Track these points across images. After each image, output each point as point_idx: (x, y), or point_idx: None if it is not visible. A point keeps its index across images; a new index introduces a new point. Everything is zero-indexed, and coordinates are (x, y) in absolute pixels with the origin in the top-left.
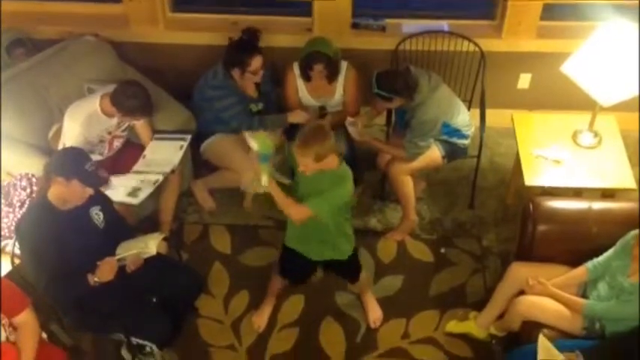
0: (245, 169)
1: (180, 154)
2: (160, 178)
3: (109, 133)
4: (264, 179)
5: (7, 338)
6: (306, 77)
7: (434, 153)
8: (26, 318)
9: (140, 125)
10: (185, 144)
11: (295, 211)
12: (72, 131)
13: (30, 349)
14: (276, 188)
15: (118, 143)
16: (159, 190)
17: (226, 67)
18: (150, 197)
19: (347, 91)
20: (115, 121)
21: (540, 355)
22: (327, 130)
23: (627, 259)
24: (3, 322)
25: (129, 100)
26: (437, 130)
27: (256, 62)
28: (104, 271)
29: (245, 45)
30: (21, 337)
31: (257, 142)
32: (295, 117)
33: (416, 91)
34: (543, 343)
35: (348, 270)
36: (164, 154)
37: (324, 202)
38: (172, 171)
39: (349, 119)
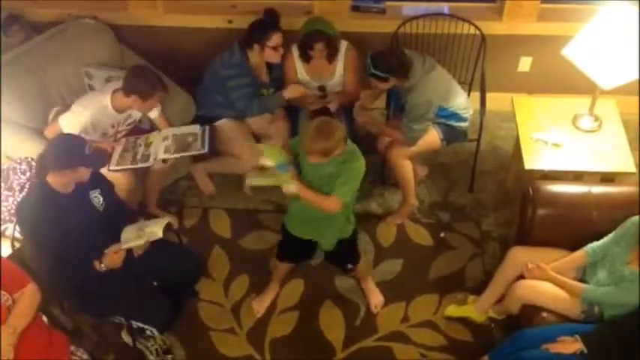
0: (247, 156)
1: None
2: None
3: (113, 126)
4: (292, 187)
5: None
6: (306, 58)
7: (432, 136)
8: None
9: (157, 117)
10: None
11: (328, 205)
12: (79, 118)
13: (24, 304)
14: (305, 190)
15: (121, 134)
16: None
17: (243, 47)
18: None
19: (347, 71)
20: (122, 116)
21: None
22: (333, 126)
23: (626, 246)
24: (4, 299)
25: (141, 82)
26: (432, 113)
27: (277, 38)
28: (113, 260)
29: (266, 23)
30: (20, 299)
31: (270, 157)
32: (292, 92)
33: (410, 72)
34: None
35: (347, 255)
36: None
37: (348, 188)
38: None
39: (358, 104)
